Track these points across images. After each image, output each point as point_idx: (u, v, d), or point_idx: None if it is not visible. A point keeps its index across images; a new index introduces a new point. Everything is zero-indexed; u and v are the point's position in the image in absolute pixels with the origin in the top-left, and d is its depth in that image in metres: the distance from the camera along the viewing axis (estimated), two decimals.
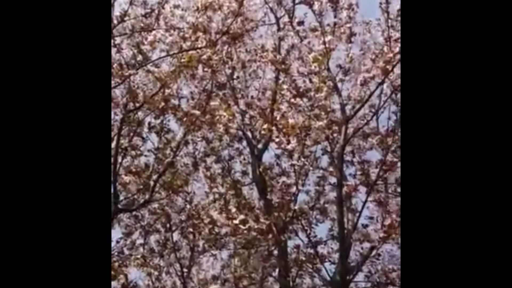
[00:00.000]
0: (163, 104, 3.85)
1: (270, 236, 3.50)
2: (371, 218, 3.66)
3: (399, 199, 3.58)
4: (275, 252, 3.84)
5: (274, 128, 3.68)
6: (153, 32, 3.87)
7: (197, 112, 3.89)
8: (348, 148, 4.20)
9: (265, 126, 3.70)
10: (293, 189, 3.60)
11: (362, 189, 3.76)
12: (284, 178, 3.55)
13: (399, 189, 3.28)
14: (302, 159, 3.65)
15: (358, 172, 3.89)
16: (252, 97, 4.57)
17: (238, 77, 4.63)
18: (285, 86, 3.73)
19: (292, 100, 3.89)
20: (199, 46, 3.86)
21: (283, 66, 4.29)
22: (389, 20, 3.69)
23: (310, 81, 3.97)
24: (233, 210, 3.43)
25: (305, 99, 3.80)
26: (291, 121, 3.52)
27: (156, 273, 4.34)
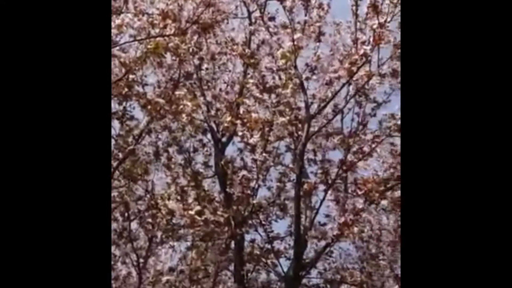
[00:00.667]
0: (126, 90, 3.77)
1: (227, 229, 3.50)
2: (328, 216, 3.71)
3: (357, 199, 3.64)
4: (233, 245, 3.85)
5: (238, 122, 3.67)
6: (121, 16, 3.78)
7: (162, 101, 3.83)
8: (311, 147, 4.25)
9: (230, 119, 3.68)
10: (253, 183, 3.60)
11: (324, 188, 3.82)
12: (244, 172, 3.54)
13: (357, 190, 3.33)
14: (264, 154, 3.66)
15: (319, 171, 3.94)
16: (220, 89, 4.55)
17: (207, 68, 4.59)
18: (252, 81, 3.72)
19: (259, 95, 3.89)
20: (168, 33, 3.80)
21: (252, 61, 4.29)
22: (358, 23, 3.74)
23: (279, 77, 3.99)
24: (190, 201, 3.40)
25: (271, 95, 3.81)
26: (255, 115, 3.52)
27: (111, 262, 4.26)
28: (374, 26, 3.17)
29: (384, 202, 3.23)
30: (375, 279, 3.82)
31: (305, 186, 3.78)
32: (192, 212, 3.15)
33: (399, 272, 4.50)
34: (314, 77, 4.26)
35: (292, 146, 4.08)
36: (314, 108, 4.04)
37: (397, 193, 3.84)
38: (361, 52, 3.25)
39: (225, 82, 4.70)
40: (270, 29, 4.14)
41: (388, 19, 3.41)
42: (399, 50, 3.32)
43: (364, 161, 4.52)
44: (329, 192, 3.97)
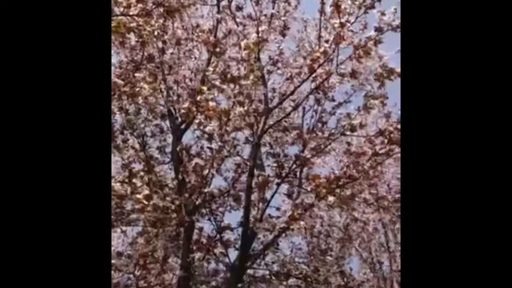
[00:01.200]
0: None
1: (175, 216, 3.48)
2: (278, 209, 3.75)
3: (308, 194, 3.69)
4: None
5: (197, 109, 3.64)
6: None
7: (120, 82, 3.75)
8: (269, 139, 4.27)
9: (188, 106, 3.65)
10: (206, 171, 3.59)
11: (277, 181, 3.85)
12: (198, 160, 3.53)
13: (309, 185, 3.37)
14: (220, 144, 3.65)
15: (274, 164, 3.97)
16: (184, 76, 4.50)
17: (172, 53, 4.52)
18: (212, 69, 3.69)
19: (219, 84, 3.87)
20: (132, 13, 3.71)
21: (217, 49, 4.26)
22: (323, 21, 3.78)
23: (244, 68, 3.98)
24: (140, 185, 3.36)
25: (232, 85, 3.80)
26: (212, 104, 3.50)
27: None
28: (336, 25, 3.21)
29: (331, 199, 3.29)
30: (321, 274, 3.89)
31: (259, 178, 3.81)
32: (139, 196, 3.11)
33: (346, 269, 4.61)
34: (279, 71, 4.28)
35: (251, 138, 4.10)
36: (275, 101, 4.07)
37: (348, 191, 3.92)
38: (322, 49, 3.28)
39: (189, 69, 4.65)
40: (237, 19, 4.12)
41: (352, 20, 3.46)
42: (359, 51, 3.37)
43: (322, 158, 4.60)
44: (284, 186, 4.02)
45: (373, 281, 4.64)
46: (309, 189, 3.33)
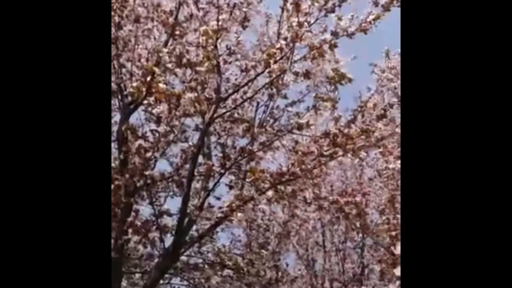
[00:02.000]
0: None
1: (115, 197, 3.40)
2: (219, 199, 3.76)
3: (248, 187, 3.71)
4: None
5: (147, 90, 3.56)
6: None
7: None
8: (219, 129, 4.26)
9: (138, 86, 3.56)
10: (150, 154, 3.53)
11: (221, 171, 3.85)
12: (142, 142, 3.46)
13: (252, 177, 3.40)
14: (167, 127, 3.60)
15: (220, 154, 3.97)
16: (140, 55, 4.38)
17: (130, 30, 4.39)
18: (166, 50, 3.62)
19: (175, 67, 3.81)
20: None
21: (176, 32, 4.18)
22: (284, 18, 3.80)
23: (201, 54, 3.93)
24: None
25: (186, 70, 3.75)
26: (163, 86, 3.44)
27: None
28: (294, 24, 3.24)
29: (270, 193, 3.34)
30: (255, 267, 3.96)
31: (204, 167, 3.80)
32: None
33: (281, 264, 4.71)
34: (236, 62, 4.27)
35: (202, 126, 4.07)
36: (229, 92, 4.06)
37: (290, 188, 4.00)
38: (278, 46, 3.31)
39: (146, 49, 4.54)
40: (199, 5, 4.07)
41: (311, 21, 3.50)
42: (313, 52, 3.43)
43: (271, 154, 4.65)
44: (228, 177, 4.03)
45: (306, 278, 4.77)
46: (248, 181, 3.36)
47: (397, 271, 0.97)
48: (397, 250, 0.96)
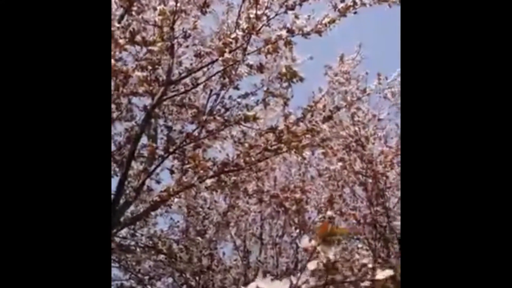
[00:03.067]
0: None
1: None
2: (159, 182, 3.72)
3: (192, 174, 3.69)
4: None
5: None
6: None
7: None
8: (167, 112, 4.19)
9: None
10: None
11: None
12: None
13: (192, 163, 3.37)
14: (112, 104, 3.49)
15: (165, 137, 3.91)
16: None
17: None
18: (117, 25, 3.50)
19: (126, 44, 3.69)
20: None
21: (134, 9, 4.05)
22: (243, 7, 3.78)
23: (154, 34, 3.83)
24: None
25: (137, 47, 3.65)
26: (112, 61, 3.32)
27: None
28: (251, 16, 3.23)
29: (208, 181, 3.34)
30: (189, 254, 3.95)
31: (148, 148, 3.73)
32: None
33: (217, 252, 4.74)
34: (194, 48, 4.21)
35: (149, 107, 3.98)
36: (181, 75, 3.99)
37: (232, 178, 4.02)
38: (234, 36, 3.29)
39: None
40: None
41: (270, 15, 3.51)
42: (268, 46, 3.45)
43: (220, 144, 4.64)
44: (171, 162, 3.99)
45: (241, 268, 4.83)
46: (187, 167, 3.34)
47: (311, 265, 1.04)
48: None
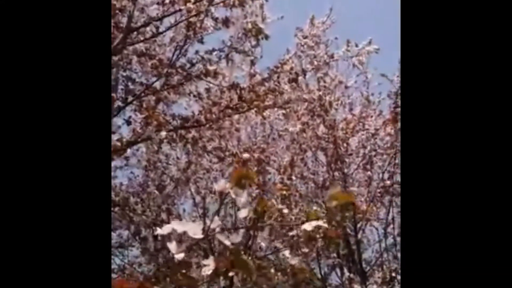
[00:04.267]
0: None
1: None
2: (114, 133, 3.64)
3: (150, 128, 3.63)
4: None
5: None
6: None
7: None
8: (127, 62, 4.06)
9: None
10: None
11: None
12: None
13: (146, 114, 3.30)
14: None
15: (124, 88, 3.81)
16: None
17: None
18: None
19: None
20: None
21: None
22: None
23: None
24: None
25: None
26: None
27: None
28: None
29: (163, 134, 3.30)
30: (143, 207, 3.95)
31: None
32: None
33: (174, 207, 4.76)
34: None
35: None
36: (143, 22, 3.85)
37: (193, 134, 3.99)
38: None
39: None
40: None
41: None
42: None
43: (187, 100, 4.56)
44: (128, 113, 3.90)
45: (199, 223, 4.88)
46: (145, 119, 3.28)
47: (242, 213, 1.09)
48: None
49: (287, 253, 1.34)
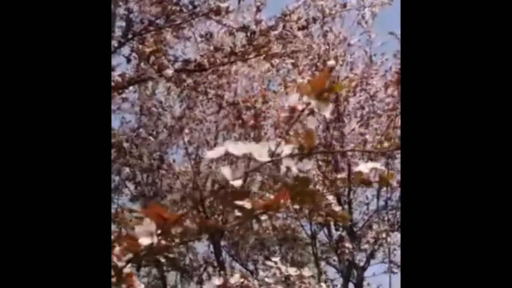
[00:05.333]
0: None
1: None
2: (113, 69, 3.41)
3: (151, 69, 3.41)
4: None
5: None
6: None
7: None
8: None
9: None
10: None
11: None
12: None
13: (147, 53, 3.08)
14: None
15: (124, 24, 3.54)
16: None
17: None
18: None
19: None
20: None
21: None
22: None
23: None
24: None
25: None
26: None
27: None
28: None
29: (169, 72, 3.10)
30: (138, 150, 3.78)
31: None
32: None
33: (166, 155, 4.60)
34: None
35: None
36: None
37: (193, 79, 3.78)
38: None
39: None
40: None
41: None
42: None
43: (183, 43, 4.30)
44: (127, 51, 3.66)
45: (190, 175, 4.76)
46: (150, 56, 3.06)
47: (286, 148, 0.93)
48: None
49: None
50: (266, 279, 1.54)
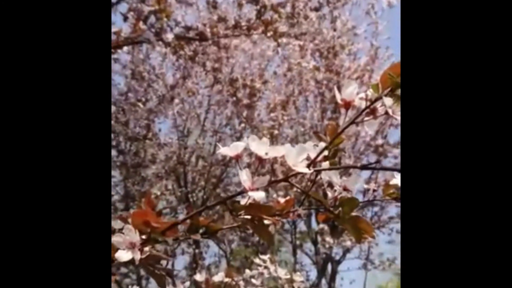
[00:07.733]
0: None
1: None
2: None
3: (149, 33, 3.16)
4: None
5: None
6: None
7: None
8: None
9: None
10: None
11: None
12: None
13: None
14: None
15: None
16: None
17: None
18: None
19: None
20: None
21: None
22: None
23: None
24: None
25: None
26: None
27: None
28: None
29: (169, 36, 2.87)
30: (125, 117, 3.57)
31: None
32: None
33: (153, 124, 4.39)
34: None
35: None
36: None
37: (192, 47, 3.56)
38: None
39: None
40: None
41: None
42: None
43: (191, 11, 4.04)
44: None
45: (175, 148, 4.57)
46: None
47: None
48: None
49: None
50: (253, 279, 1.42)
